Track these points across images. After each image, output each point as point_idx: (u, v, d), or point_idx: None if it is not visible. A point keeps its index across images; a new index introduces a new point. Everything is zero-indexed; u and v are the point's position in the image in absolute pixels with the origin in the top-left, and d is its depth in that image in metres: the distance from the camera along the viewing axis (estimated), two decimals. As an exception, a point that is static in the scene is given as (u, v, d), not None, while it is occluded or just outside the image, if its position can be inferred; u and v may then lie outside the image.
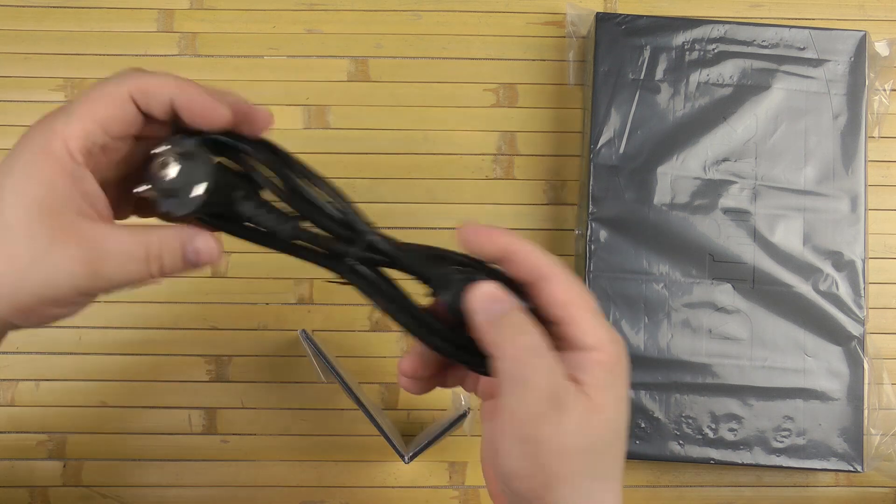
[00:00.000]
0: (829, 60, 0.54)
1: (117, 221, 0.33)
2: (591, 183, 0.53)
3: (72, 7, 0.57)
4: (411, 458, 0.47)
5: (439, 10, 0.58)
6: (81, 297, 0.31)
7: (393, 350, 0.56)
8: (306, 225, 0.32)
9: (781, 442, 0.52)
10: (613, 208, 0.53)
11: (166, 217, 0.32)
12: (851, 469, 0.52)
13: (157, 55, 0.57)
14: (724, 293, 0.53)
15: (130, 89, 0.31)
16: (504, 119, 0.57)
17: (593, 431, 0.29)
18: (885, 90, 0.57)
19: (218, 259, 0.32)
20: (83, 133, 0.30)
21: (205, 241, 0.31)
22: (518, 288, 0.31)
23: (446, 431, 0.48)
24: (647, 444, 0.51)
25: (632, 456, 0.51)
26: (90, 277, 0.30)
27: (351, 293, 0.58)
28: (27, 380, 0.55)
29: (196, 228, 0.32)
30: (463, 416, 0.48)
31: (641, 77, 0.54)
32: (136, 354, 0.55)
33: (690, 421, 0.51)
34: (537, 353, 0.29)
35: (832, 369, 0.52)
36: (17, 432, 0.55)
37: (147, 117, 0.32)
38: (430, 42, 0.58)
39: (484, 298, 0.31)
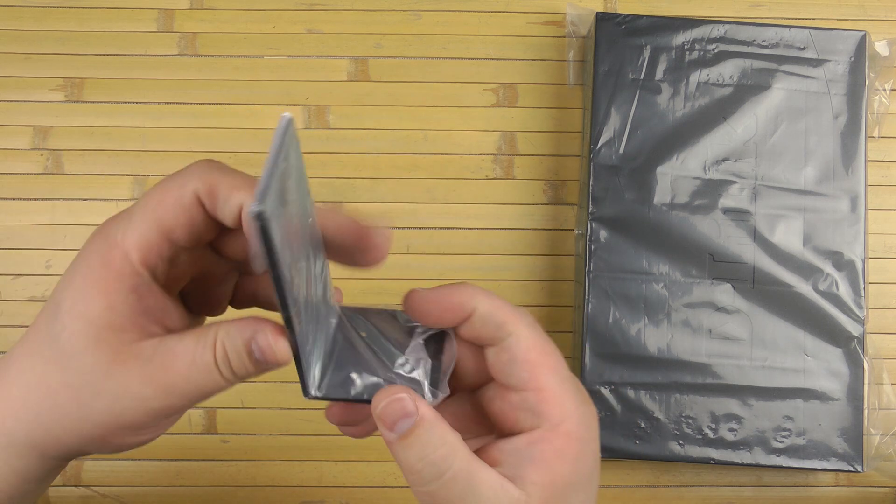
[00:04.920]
0: (829, 60, 0.54)
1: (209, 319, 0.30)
2: (591, 183, 0.53)
3: (72, 7, 0.57)
4: (315, 398, 0.34)
5: (439, 10, 0.58)
6: (158, 419, 0.28)
7: (393, 350, 0.56)
8: None
9: (781, 442, 0.52)
10: (613, 208, 0.53)
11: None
12: (851, 469, 0.52)
13: (157, 55, 0.57)
14: (724, 293, 0.53)
15: (197, 189, 0.27)
16: (504, 119, 0.57)
17: None
18: (885, 90, 0.57)
19: (286, 360, 0.28)
20: (145, 243, 0.27)
21: (266, 339, 0.27)
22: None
23: None
24: (647, 444, 0.51)
25: (632, 456, 0.51)
26: (160, 397, 0.27)
27: (351, 293, 0.58)
28: (27, 380, 0.55)
29: (260, 321, 0.28)
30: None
31: (641, 77, 0.54)
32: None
33: (690, 421, 0.51)
34: (451, 471, 0.27)
35: (832, 369, 0.52)
36: (17, 432, 0.55)
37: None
38: (430, 42, 0.58)
39: (387, 414, 0.27)
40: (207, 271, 0.30)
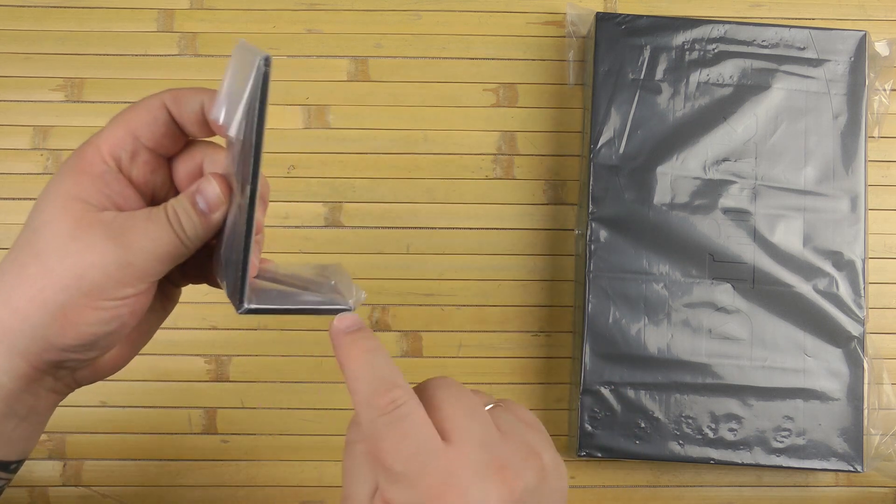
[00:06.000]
0: (829, 60, 0.54)
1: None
2: (591, 183, 0.53)
3: (72, 7, 0.57)
4: (247, 311, 0.32)
5: (439, 10, 0.58)
6: (119, 285, 0.30)
7: (393, 350, 0.56)
8: None
9: (781, 442, 0.52)
10: (613, 208, 0.53)
11: None
12: (851, 469, 0.52)
13: (157, 55, 0.57)
14: (724, 293, 0.53)
15: (164, 98, 0.32)
16: (504, 119, 0.57)
17: None
18: (885, 90, 0.57)
19: (224, 200, 0.31)
20: (113, 138, 0.31)
21: (208, 185, 0.31)
22: None
23: (310, 311, 0.34)
24: (647, 444, 0.51)
25: (632, 456, 0.51)
26: (120, 253, 0.29)
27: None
28: (27, 380, 0.55)
29: (202, 179, 0.32)
30: (343, 308, 0.33)
31: (641, 77, 0.54)
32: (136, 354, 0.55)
33: (690, 421, 0.51)
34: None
35: (832, 369, 0.52)
36: (17, 432, 0.55)
37: (182, 133, 0.32)
38: (430, 42, 0.58)
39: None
40: (161, 195, 0.34)
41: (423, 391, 0.30)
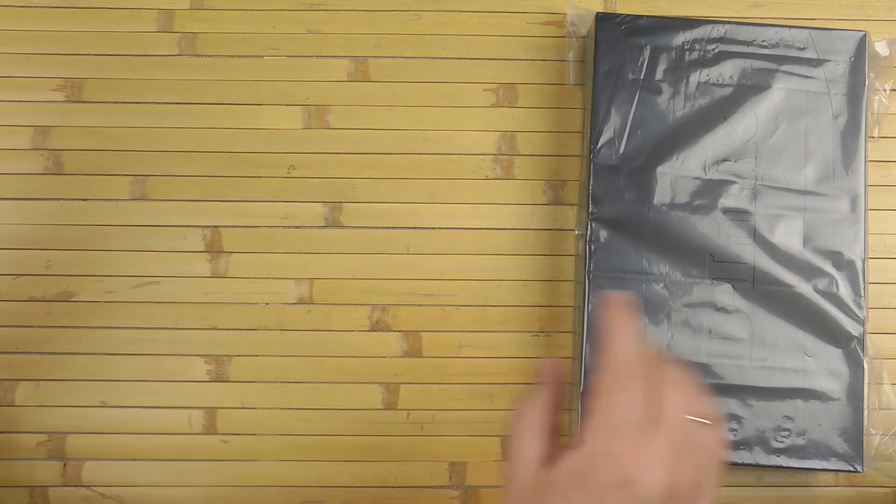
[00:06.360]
0: (829, 60, 0.54)
1: None
2: (591, 183, 0.53)
3: (72, 7, 0.57)
4: None
5: (439, 10, 0.58)
6: None
7: (393, 350, 0.56)
8: None
9: (781, 442, 0.52)
10: (613, 208, 0.53)
11: None
12: (851, 469, 0.52)
13: (157, 55, 0.57)
14: (724, 293, 0.53)
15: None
16: (504, 119, 0.57)
17: None
18: (885, 90, 0.57)
19: None
20: None
21: None
22: None
23: None
24: (647, 444, 0.51)
25: (632, 456, 0.51)
26: None
27: (351, 293, 0.58)
28: (27, 380, 0.55)
29: None
30: None
31: (641, 77, 0.54)
32: (136, 354, 0.55)
33: (690, 421, 0.51)
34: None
35: (832, 369, 0.52)
36: (17, 432, 0.55)
37: None
38: (430, 42, 0.58)
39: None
40: None
41: (659, 371, 0.34)
